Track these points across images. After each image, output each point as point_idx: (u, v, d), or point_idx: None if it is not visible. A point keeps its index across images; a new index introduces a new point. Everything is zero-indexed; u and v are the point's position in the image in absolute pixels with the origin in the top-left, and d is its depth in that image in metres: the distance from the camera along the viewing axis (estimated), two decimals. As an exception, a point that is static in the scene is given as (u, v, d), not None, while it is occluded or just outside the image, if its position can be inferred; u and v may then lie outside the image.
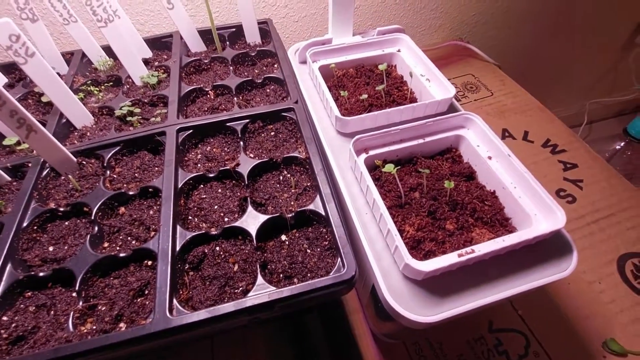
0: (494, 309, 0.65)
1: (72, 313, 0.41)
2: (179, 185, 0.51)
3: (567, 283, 0.67)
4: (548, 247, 0.47)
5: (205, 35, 0.79)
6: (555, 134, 0.93)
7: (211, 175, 0.53)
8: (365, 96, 0.66)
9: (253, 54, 0.75)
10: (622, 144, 1.09)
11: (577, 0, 1.38)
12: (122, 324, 0.41)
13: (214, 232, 0.47)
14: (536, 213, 0.49)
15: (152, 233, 0.48)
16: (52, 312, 0.44)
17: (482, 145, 0.57)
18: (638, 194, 0.80)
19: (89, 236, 0.47)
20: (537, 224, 0.47)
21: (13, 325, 0.42)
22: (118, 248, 0.48)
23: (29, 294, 0.45)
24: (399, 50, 0.76)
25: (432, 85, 0.67)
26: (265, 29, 0.80)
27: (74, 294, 0.44)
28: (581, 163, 0.87)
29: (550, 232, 0.45)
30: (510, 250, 0.46)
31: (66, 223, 0.52)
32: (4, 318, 0.42)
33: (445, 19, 1.23)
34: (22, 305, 0.44)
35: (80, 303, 0.42)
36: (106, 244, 0.49)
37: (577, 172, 0.85)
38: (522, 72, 1.36)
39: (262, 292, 0.40)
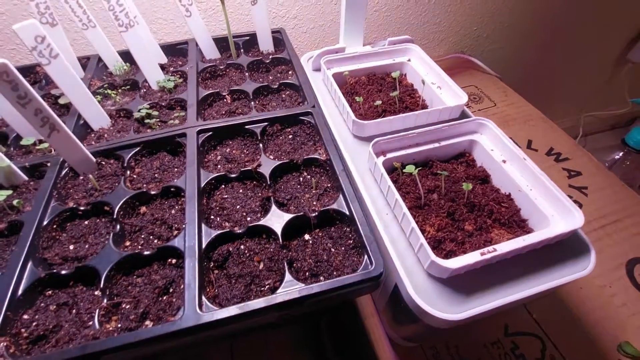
0: (509, 313, 0.65)
1: (97, 311, 0.40)
2: (202, 185, 0.51)
3: (579, 287, 0.68)
4: (566, 247, 0.48)
5: (219, 43, 0.81)
6: (558, 143, 0.96)
7: (232, 175, 0.54)
8: (379, 102, 0.67)
9: (267, 61, 0.77)
10: (621, 153, 1.12)
11: (572, 17, 1.44)
12: (148, 322, 0.41)
13: (238, 230, 0.47)
14: (553, 214, 0.50)
15: (175, 232, 0.48)
16: (74, 311, 0.43)
17: (496, 150, 0.59)
18: (642, 200, 0.82)
19: (111, 234, 0.47)
20: (555, 224, 0.48)
21: (34, 324, 0.41)
22: (140, 247, 0.48)
23: (50, 292, 0.44)
24: (409, 60, 0.79)
25: (443, 92, 0.69)
26: (279, 38, 0.83)
27: (97, 292, 0.43)
28: (585, 171, 0.89)
29: (570, 231, 0.46)
30: (531, 250, 0.47)
31: (86, 222, 0.51)
32: (25, 317, 0.42)
33: (448, 32, 1.27)
34: (42, 304, 0.43)
35: (105, 301, 0.42)
36: (128, 243, 0.48)
37: (582, 179, 0.87)
38: (521, 85, 1.40)
39: (291, 288, 0.40)
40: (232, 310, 0.37)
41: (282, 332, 0.56)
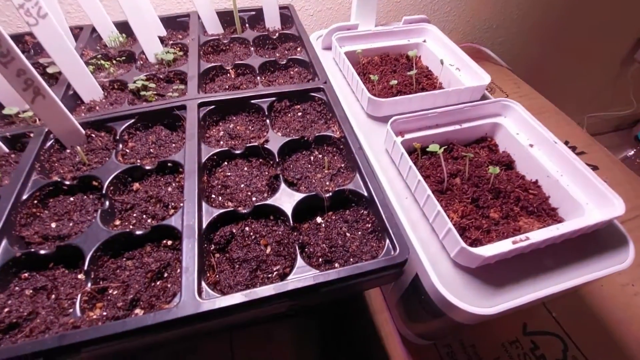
0: (527, 311, 0.61)
1: (79, 296, 0.35)
2: (203, 160, 0.46)
3: (600, 285, 0.64)
4: (602, 238, 0.44)
5: (222, 17, 0.76)
6: (573, 136, 0.92)
7: (237, 152, 0.49)
8: (394, 82, 0.63)
9: (274, 37, 0.72)
10: (633, 151, 1.08)
11: (581, 14, 1.41)
12: (138, 310, 0.35)
13: (242, 210, 0.42)
14: (587, 202, 0.46)
15: (172, 211, 0.43)
16: (52, 297, 0.37)
17: (522, 133, 0.55)
18: (661, 197, 0.79)
19: (99, 211, 0.42)
20: (590, 213, 0.44)
21: (6, 310, 0.35)
22: (131, 226, 0.42)
23: (26, 274, 0.39)
24: (424, 41, 0.74)
25: (462, 74, 0.65)
26: (287, 15, 0.77)
27: (81, 276, 0.38)
28: (601, 165, 0.85)
29: (608, 220, 0.42)
30: (566, 240, 0.42)
31: (71, 198, 0.46)
32: (-4, 302, 0.36)
33: (458, 22, 1.23)
34: (17, 288, 0.38)
35: (89, 285, 0.36)
36: (118, 222, 0.43)
37: (598, 174, 0.82)
38: (527, 80, 1.37)
39: (304, 275, 0.35)
40: (237, 298, 0.32)
41: (285, 325, 0.51)
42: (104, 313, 0.35)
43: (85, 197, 0.46)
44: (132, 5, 0.62)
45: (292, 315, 0.51)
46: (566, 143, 0.90)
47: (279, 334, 0.49)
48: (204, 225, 0.39)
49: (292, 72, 0.65)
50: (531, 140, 0.53)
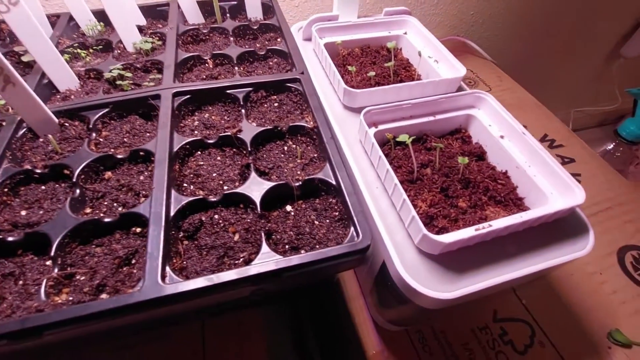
0: (498, 298, 0.63)
1: (45, 281, 0.36)
2: (174, 149, 0.46)
3: (569, 273, 0.66)
4: (564, 226, 0.46)
5: (204, 6, 0.75)
6: (552, 130, 0.93)
7: (210, 141, 0.49)
8: (372, 73, 0.63)
9: (255, 27, 0.72)
10: (612, 145, 1.11)
11: (567, 10, 1.42)
12: (104, 295, 0.36)
13: (212, 198, 0.42)
14: (552, 192, 0.47)
15: (142, 199, 0.43)
16: (20, 282, 0.38)
17: (494, 125, 0.55)
18: (634, 189, 0.81)
19: (69, 199, 0.42)
20: (554, 202, 0.46)
21: (-27, 295, 0.36)
22: (102, 214, 0.43)
23: (-5, 261, 0.39)
24: (405, 33, 0.74)
25: (440, 66, 0.66)
26: (268, 5, 0.77)
27: (49, 262, 0.38)
28: (578, 158, 0.87)
29: (569, 208, 0.43)
30: (528, 227, 0.44)
31: (43, 187, 0.46)
32: (-38, 287, 0.36)
33: (445, 15, 1.23)
34: (-15, 274, 0.38)
35: (56, 270, 0.37)
36: (88, 210, 0.43)
37: (575, 166, 0.85)
38: (513, 75, 1.38)
39: (267, 260, 0.36)
40: (198, 282, 0.33)
41: (259, 313, 0.52)
42: (70, 298, 0.36)
43: (57, 185, 0.47)
44: (108, -6, 0.61)
45: (264, 303, 0.52)
46: (545, 136, 0.92)
47: (250, 322, 0.50)
48: (172, 213, 0.40)
49: (271, 63, 0.66)
50: (502, 131, 0.54)
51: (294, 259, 0.35)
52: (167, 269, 0.35)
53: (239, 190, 0.42)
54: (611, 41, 1.66)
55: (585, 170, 0.84)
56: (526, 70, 1.60)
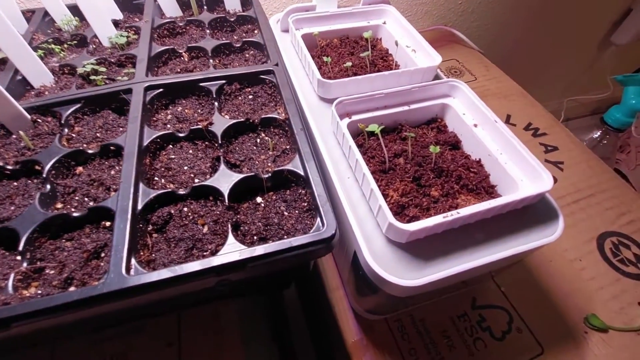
0: (477, 286, 0.63)
1: (12, 275, 0.36)
2: (145, 143, 0.46)
3: (549, 260, 0.67)
4: (534, 213, 0.46)
5: (181, -1, 0.74)
6: (536, 118, 0.93)
7: (181, 134, 0.49)
8: (349, 64, 0.63)
9: (232, 20, 0.71)
10: (599, 132, 1.11)
11: (557, -3, 1.41)
12: (72, 288, 0.36)
13: (182, 191, 0.42)
14: (522, 179, 0.47)
15: (112, 193, 0.44)
16: (-9, 277, 0.38)
17: (468, 113, 0.55)
18: (616, 176, 0.81)
19: (38, 194, 0.42)
20: (524, 188, 0.46)
21: (-58, 291, 0.36)
22: (73, 209, 0.43)
23: (-36, 257, 0.39)
24: (384, 23, 0.74)
25: (417, 56, 0.65)
26: (247, -4, 0.76)
27: (19, 257, 0.39)
28: (561, 146, 0.87)
29: (537, 195, 0.43)
30: (496, 215, 0.44)
31: (15, 183, 0.46)
32: None
33: (432, 5, 1.22)
34: (-45, 270, 0.38)
35: (24, 265, 0.37)
36: (60, 205, 0.43)
37: (558, 154, 0.85)
38: (503, 65, 1.37)
39: (232, 251, 0.36)
40: (162, 274, 0.33)
41: (236, 305, 0.53)
42: (39, 292, 0.36)
43: (29, 181, 0.47)
44: (80, -12, 0.61)
45: (240, 295, 0.53)
46: (529, 125, 0.92)
47: (227, 315, 0.51)
48: (140, 206, 0.40)
49: (247, 55, 0.65)
50: (475, 120, 0.54)
51: (258, 249, 0.35)
52: (133, 261, 0.36)
53: (207, 182, 0.43)
54: (602, 29, 1.65)
55: (569, 158, 0.84)
56: (518, 60, 1.60)
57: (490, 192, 0.49)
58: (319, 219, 0.40)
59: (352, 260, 0.48)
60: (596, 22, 1.60)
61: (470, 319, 0.60)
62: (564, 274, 0.65)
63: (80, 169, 0.47)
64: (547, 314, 0.61)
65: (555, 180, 0.80)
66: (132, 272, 0.34)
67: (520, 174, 0.48)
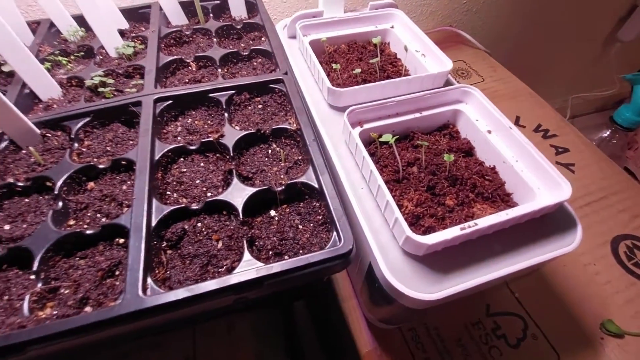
0: (491, 292, 0.63)
1: (28, 296, 0.36)
2: (156, 157, 0.46)
3: (563, 265, 0.66)
4: (552, 222, 0.45)
5: (187, 7, 0.74)
6: (546, 119, 0.92)
7: (192, 147, 0.49)
8: (358, 70, 0.62)
9: (239, 27, 0.71)
10: (608, 132, 1.09)
11: (563, -6, 1.39)
12: (88, 308, 0.36)
13: (195, 206, 0.42)
14: (539, 187, 0.46)
15: (125, 209, 0.43)
16: (5, 298, 0.38)
17: (482, 120, 0.55)
18: (628, 177, 0.80)
19: (51, 212, 0.42)
20: (541, 197, 0.45)
21: (-42, 312, 0.36)
22: (86, 226, 0.42)
23: (-21, 277, 0.39)
24: (392, 27, 0.73)
25: (427, 60, 0.65)
26: (252, 2, 0.76)
27: (33, 277, 0.38)
28: (572, 147, 0.86)
29: (555, 204, 0.43)
30: (514, 225, 0.43)
31: (26, 200, 0.46)
32: (-54, 305, 0.36)
33: (437, 5, 1.21)
34: (-31, 290, 0.38)
35: (39, 285, 0.37)
36: (72, 222, 0.43)
37: (569, 156, 0.84)
38: (509, 63, 1.36)
39: (248, 268, 0.35)
40: (179, 294, 0.33)
41: (250, 317, 0.52)
42: (55, 312, 0.36)
43: (40, 197, 0.46)
44: (87, 1, 0.60)
45: (254, 307, 0.52)
46: (539, 126, 0.91)
47: (241, 327, 0.50)
48: (154, 223, 0.40)
49: (255, 63, 0.65)
50: (489, 126, 0.53)
51: (275, 267, 0.35)
52: (149, 280, 0.35)
53: (221, 197, 0.42)
54: (608, 25, 1.63)
55: (580, 160, 0.83)
56: (524, 58, 1.58)
57: (506, 200, 0.49)
58: (335, 234, 0.39)
59: (367, 272, 0.47)
60: (602, 19, 1.58)
61: (484, 326, 0.59)
62: (578, 279, 0.65)
63: (91, 184, 0.46)
64: (562, 320, 0.60)
65: (567, 182, 0.79)
66: (148, 292, 0.34)
67: (536, 181, 0.47)
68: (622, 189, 0.78)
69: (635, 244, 0.69)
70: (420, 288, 0.39)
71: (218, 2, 0.76)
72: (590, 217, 0.73)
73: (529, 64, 1.63)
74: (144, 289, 0.34)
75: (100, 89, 0.57)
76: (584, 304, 0.61)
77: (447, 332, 0.58)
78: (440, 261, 0.41)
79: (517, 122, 0.91)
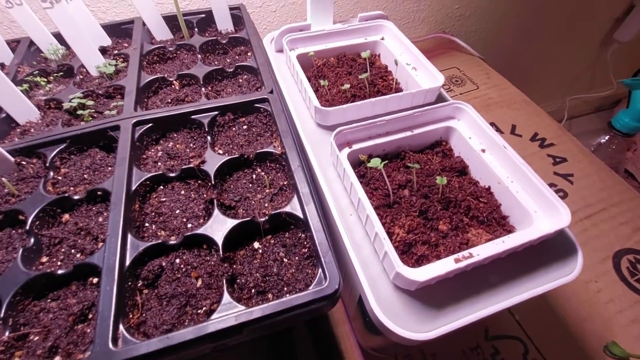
0: (490, 316, 0.60)
1: (-7, 347, 0.33)
2: (133, 187, 0.44)
3: (563, 283, 0.63)
4: (550, 248, 0.43)
5: (171, 21, 0.72)
6: (542, 128, 0.90)
7: (172, 174, 0.46)
8: (347, 86, 0.60)
9: (224, 42, 0.68)
10: (607, 137, 1.07)
11: (557, -4, 1.37)
12: (57, 358, 0.34)
13: (173, 241, 0.40)
14: (536, 210, 0.44)
15: (100, 244, 0.41)
16: (-29, 345, 0.36)
17: (475, 137, 0.53)
18: (629, 187, 0.78)
19: (21, 250, 0.39)
20: (538, 222, 0.43)
21: None
22: (59, 263, 0.40)
23: (-57, 324, 0.37)
24: (382, 39, 0.71)
25: (418, 74, 0.62)
26: (238, 15, 0.74)
27: (0, 323, 0.36)
28: (570, 157, 0.84)
29: (554, 232, 0.40)
30: (511, 252, 0.41)
31: (-3, 234, 0.44)
32: None
33: (429, 11, 1.19)
34: None
35: (7, 333, 0.34)
36: (45, 259, 0.41)
37: (567, 166, 0.82)
38: (504, 68, 1.34)
39: (228, 312, 0.33)
40: (151, 345, 0.31)
41: (236, 348, 0.50)
42: (22, 363, 0.33)
43: (13, 231, 0.44)
44: (63, 17, 0.58)
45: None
46: (535, 135, 0.88)
47: (228, 356, 0.48)
48: (128, 262, 0.37)
49: (240, 80, 0.63)
50: (483, 144, 0.51)
51: (255, 312, 0.32)
52: (121, 328, 0.33)
53: (200, 231, 0.40)
54: (605, 26, 1.62)
55: (578, 170, 0.81)
56: (519, 60, 1.56)
57: (502, 224, 0.46)
58: (320, 270, 0.37)
59: (358, 303, 0.45)
60: (598, 19, 1.57)
61: (483, 351, 0.57)
62: (579, 297, 0.62)
63: (66, 216, 0.44)
64: (565, 343, 0.58)
65: (566, 194, 0.77)
66: (119, 343, 0.32)
67: (533, 204, 0.45)
68: (622, 200, 0.75)
69: (638, 258, 0.67)
70: (413, 326, 0.37)
71: (203, 15, 0.74)
72: (590, 231, 0.71)
73: (525, 65, 1.61)
74: (115, 340, 0.31)
75: (79, 112, 0.55)
76: (587, 325, 0.59)
77: (444, 358, 0.56)
78: (433, 295, 0.39)
79: (513, 131, 0.89)
